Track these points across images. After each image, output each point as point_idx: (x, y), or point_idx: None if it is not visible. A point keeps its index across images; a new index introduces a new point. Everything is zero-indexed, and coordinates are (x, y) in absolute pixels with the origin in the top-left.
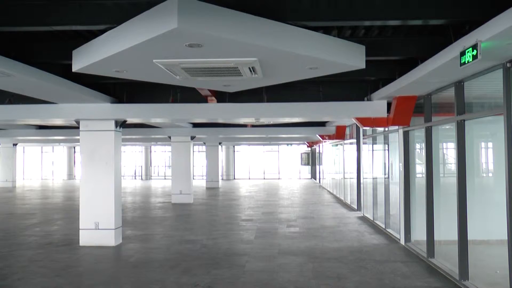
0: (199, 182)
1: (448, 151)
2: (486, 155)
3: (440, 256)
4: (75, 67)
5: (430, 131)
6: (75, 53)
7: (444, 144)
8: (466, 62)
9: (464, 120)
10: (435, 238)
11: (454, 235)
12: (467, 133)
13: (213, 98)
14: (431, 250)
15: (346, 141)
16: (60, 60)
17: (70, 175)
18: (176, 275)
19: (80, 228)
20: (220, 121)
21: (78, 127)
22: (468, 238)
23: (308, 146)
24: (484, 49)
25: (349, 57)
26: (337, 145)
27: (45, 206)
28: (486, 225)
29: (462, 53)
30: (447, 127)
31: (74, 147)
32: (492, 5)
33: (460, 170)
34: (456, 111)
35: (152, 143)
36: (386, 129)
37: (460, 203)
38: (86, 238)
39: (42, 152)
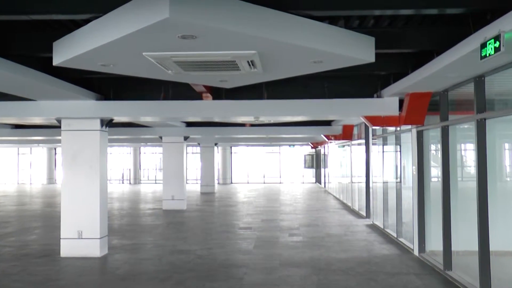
0: (193, 186)
1: (467, 153)
2: (510, 157)
3: (459, 268)
4: (56, 61)
5: (447, 131)
6: (56, 45)
7: (463, 145)
8: (488, 55)
9: (484, 119)
10: (452, 249)
11: (474, 245)
12: (488, 133)
13: (208, 94)
14: (448, 261)
15: (353, 142)
16: (40, 53)
17: (51, 179)
18: None
19: (61, 237)
20: (216, 119)
21: (59, 127)
22: (490, 249)
23: (312, 147)
24: (507, 41)
25: (357, 49)
26: (344, 146)
27: (22, 213)
28: (510, 234)
29: (483, 45)
30: (465, 126)
31: (55, 149)
32: None
33: (480, 174)
34: (476, 109)
35: (142, 144)
36: (398, 128)
37: (481, 209)
38: (68, 248)
39: (18, 153)
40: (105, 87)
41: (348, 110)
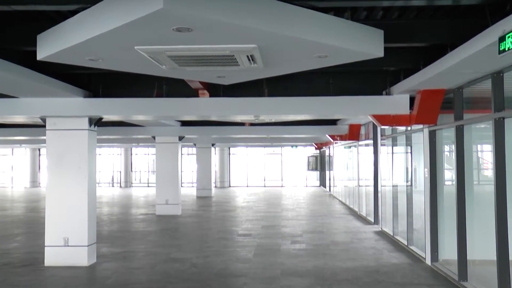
0: (189, 190)
1: (483, 154)
2: None
3: (475, 279)
4: (41, 55)
5: (462, 131)
6: (41, 38)
7: (479, 146)
8: (506, 49)
9: (503, 118)
10: (468, 257)
11: (492, 254)
12: (507, 133)
13: (205, 91)
14: (463, 271)
15: (361, 143)
16: (22, 47)
17: (34, 182)
18: None
19: (45, 245)
20: (213, 118)
21: (44, 126)
22: (510, 258)
23: (316, 148)
24: None
25: (364, 43)
26: (350, 147)
27: (3, 218)
28: None
29: (502, 39)
30: (482, 126)
31: (39, 149)
32: None
33: (498, 177)
34: (493, 107)
35: (133, 144)
36: (409, 128)
37: (499, 215)
38: (53, 256)
39: None
40: (94, 84)
41: (355, 108)
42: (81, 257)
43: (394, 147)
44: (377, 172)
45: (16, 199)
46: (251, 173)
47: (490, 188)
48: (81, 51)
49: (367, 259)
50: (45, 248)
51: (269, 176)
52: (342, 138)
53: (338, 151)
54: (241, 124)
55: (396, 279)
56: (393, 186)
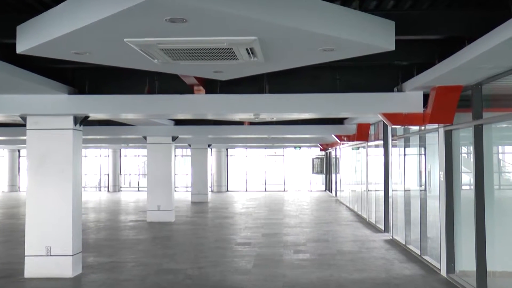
0: (183, 195)
1: (505, 156)
2: None
3: None
4: (20, 48)
5: (481, 131)
6: (21, 29)
7: (500, 147)
8: None
9: None
10: (487, 269)
11: None
12: None
13: (201, 88)
14: (482, 283)
15: (370, 143)
16: (0, 39)
17: (13, 186)
18: None
19: (25, 254)
20: (210, 117)
21: (24, 125)
22: None
23: (321, 150)
24: None
25: (374, 35)
26: (358, 148)
27: None
28: None
29: None
30: (503, 125)
31: (19, 150)
32: None
33: None
34: None
35: (123, 145)
36: (422, 128)
37: None
38: (34, 267)
39: None
40: (80, 79)
41: (364, 106)
42: (65, 268)
43: (406, 149)
44: (388, 176)
45: None
46: (250, 176)
47: None
48: (66, 44)
49: (377, 270)
50: (25, 258)
51: (270, 180)
52: (350, 138)
53: (345, 152)
54: (240, 123)
55: None
56: (405, 190)
